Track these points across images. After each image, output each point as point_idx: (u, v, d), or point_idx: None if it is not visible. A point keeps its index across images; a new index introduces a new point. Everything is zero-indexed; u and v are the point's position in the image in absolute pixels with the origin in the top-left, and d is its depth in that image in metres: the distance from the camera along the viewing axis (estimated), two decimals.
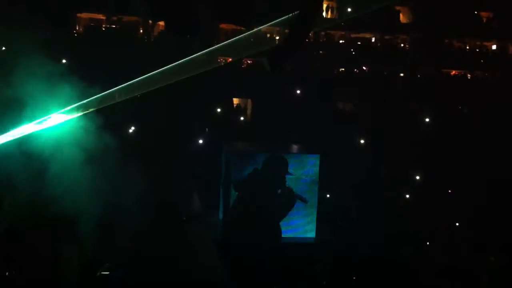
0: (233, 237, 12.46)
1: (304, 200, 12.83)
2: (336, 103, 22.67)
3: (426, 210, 15.96)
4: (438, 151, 18.61)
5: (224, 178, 14.02)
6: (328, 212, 14.65)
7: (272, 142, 16.76)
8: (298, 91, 22.06)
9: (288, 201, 12.69)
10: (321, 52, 23.95)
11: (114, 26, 23.40)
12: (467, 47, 25.89)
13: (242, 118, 21.83)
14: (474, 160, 18.27)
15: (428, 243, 14.03)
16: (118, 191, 11.52)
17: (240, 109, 22.64)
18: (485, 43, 26.09)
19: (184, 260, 11.09)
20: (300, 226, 13.72)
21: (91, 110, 11.07)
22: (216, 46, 12.51)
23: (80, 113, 10.88)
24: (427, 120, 21.98)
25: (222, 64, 20.21)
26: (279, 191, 12.67)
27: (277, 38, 21.68)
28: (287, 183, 12.73)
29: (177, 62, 11.25)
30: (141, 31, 23.76)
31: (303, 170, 13.75)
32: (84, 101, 10.86)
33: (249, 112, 22.53)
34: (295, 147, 15.22)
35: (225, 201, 13.84)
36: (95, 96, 11.04)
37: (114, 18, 23.42)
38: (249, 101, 23.08)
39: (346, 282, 11.52)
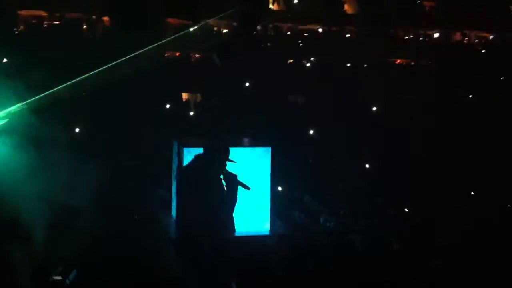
0: (187, 231, 12.54)
1: (246, 187, 13.20)
2: (286, 95, 22.79)
3: (377, 196, 16.27)
4: (387, 139, 18.97)
5: (176, 174, 13.91)
6: (281, 204, 14.74)
7: (223, 135, 16.70)
8: (248, 84, 22.07)
9: (231, 185, 13.00)
10: (269, 44, 24.03)
11: (56, 22, 22.81)
12: (411, 36, 26.48)
13: (192, 113, 21.67)
14: (423, 146, 18.74)
15: (380, 229, 14.30)
16: (69, 191, 11.29)
17: (190, 104, 22.48)
18: (428, 32, 26.76)
19: (138, 260, 10.95)
20: (254, 218, 13.77)
21: (36, 109, 10.77)
22: (164, 40, 12.36)
23: (24, 113, 10.57)
24: (374, 108, 22.37)
25: (171, 59, 20.02)
26: (222, 176, 13.05)
27: (225, 31, 21.61)
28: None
29: (124, 58, 11.06)
30: (85, 27, 23.24)
31: (256, 163, 13.78)
32: (29, 100, 10.56)
33: (199, 106, 22.38)
34: (246, 140, 15.21)
35: (178, 198, 13.75)
36: (40, 95, 10.75)
37: (57, 14, 22.81)
38: (199, 95, 22.95)
39: (302, 272, 11.62)
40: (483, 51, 26.58)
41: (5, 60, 15.74)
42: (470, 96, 23.77)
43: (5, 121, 10.02)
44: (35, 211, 10.46)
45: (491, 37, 27.31)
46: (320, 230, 14.18)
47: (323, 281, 11.21)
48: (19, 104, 10.26)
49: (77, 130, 18.25)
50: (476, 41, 27.37)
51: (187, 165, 12.96)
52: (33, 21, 22.92)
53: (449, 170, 17.34)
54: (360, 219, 14.66)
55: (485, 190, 16.71)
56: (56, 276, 9.20)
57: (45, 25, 22.69)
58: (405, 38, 26.33)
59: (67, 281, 9.15)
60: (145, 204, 14.59)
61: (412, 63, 26.08)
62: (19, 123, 10.70)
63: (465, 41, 27.14)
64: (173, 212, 14.18)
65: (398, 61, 26.16)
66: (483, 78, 22.76)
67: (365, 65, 24.34)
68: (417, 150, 18.68)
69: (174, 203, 14.12)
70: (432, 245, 12.91)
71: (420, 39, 26.68)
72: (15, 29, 22.07)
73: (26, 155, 10.74)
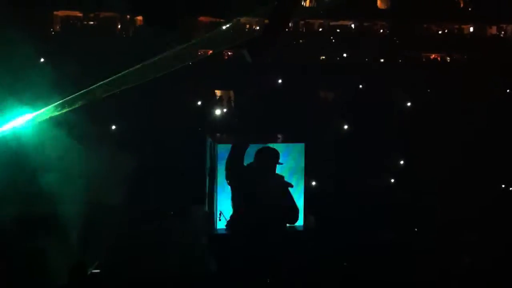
0: (238, 229, 12.34)
1: (289, 185, 13.14)
2: (319, 91, 22.71)
3: (410, 195, 16.07)
4: (421, 135, 18.74)
5: (210, 171, 14.00)
6: (314, 200, 14.70)
7: (256, 132, 16.68)
8: (280, 81, 22.08)
9: (281, 187, 12.83)
10: (301, 41, 24.01)
11: (91, 22, 23.24)
12: (445, 31, 26.13)
13: (225, 110, 21.79)
14: (457, 143, 18.42)
15: (413, 228, 14.16)
16: (104, 189, 11.47)
17: (223, 101, 22.61)
18: (463, 26, 26.36)
19: (173, 255, 11.09)
20: None
21: (71, 107, 10.97)
22: (196, 39, 12.48)
23: (61, 111, 10.78)
24: (408, 104, 22.11)
25: (203, 57, 20.16)
26: (272, 179, 12.84)
27: (257, 28, 21.69)
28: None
29: (157, 57, 11.17)
30: (119, 26, 23.61)
31: (289, 159, 13.78)
32: (64, 99, 10.75)
33: (232, 103, 22.50)
34: (279, 137, 15.23)
35: (210, 194, 13.84)
36: (75, 94, 10.94)
37: (91, 14, 23.24)
38: (231, 92, 23.06)
39: (336, 270, 11.59)
40: None
41: (42, 59, 16.08)
42: (508, 91, 23.30)
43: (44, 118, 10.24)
44: (70, 207, 10.69)
45: None
46: (353, 227, 14.12)
47: (357, 278, 11.18)
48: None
49: (111, 128, 18.53)
50: None
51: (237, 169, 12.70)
52: (69, 21, 23.40)
53: (484, 168, 17.03)
54: (393, 217, 14.54)
55: None
56: (94, 269, 9.40)
57: (80, 25, 23.15)
58: (439, 32, 25.99)
59: (105, 275, 9.34)
60: (177, 200, 14.73)
61: (447, 58, 25.72)
62: (53, 121, 10.91)
63: (501, 35, 26.65)
64: (207, 208, 14.29)
65: (433, 56, 25.83)
66: None
67: (399, 60, 24.12)
68: (451, 146, 18.38)
69: (206, 198, 14.23)
70: (465, 242, 12.77)
71: (455, 33, 26.30)
72: (51, 29, 22.56)
73: (60, 152, 10.96)
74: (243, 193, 12.56)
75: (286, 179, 13.41)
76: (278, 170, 13.26)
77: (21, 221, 10.85)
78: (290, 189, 13.07)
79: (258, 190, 12.46)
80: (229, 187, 13.06)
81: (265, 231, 11.86)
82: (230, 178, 12.72)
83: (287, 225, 12.75)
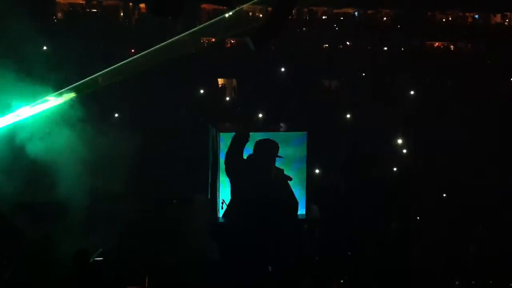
0: (238, 219, 12.42)
1: (289, 178, 13.11)
2: (322, 80, 22.65)
3: (414, 185, 16.07)
4: (425, 124, 18.71)
5: (212, 159, 14.00)
6: (316, 189, 14.71)
7: (258, 121, 16.69)
8: (283, 69, 22.02)
9: (280, 180, 12.83)
10: (304, 29, 23.89)
11: (94, 10, 23.17)
12: (450, 19, 25.97)
13: (228, 98, 21.76)
14: (460, 131, 18.39)
15: (417, 218, 14.17)
16: (107, 177, 11.50)
17: (225, 89, 22.58)
18: (467, 14, 26.18)
19: (176, 243, 11.13)
20: None
21: (74, 95, 10.97)
22: (199, 26, 12.41)
23: (64, 100, 10.77)
24: (412, 93, 22.03)
25: (206, 44, 20.12)
26: (271, 172, 12.85)
27: (260, 16, 21.57)
28: (277, 164, 12.95)
29: (160, 45, 11.13)
30: (122, 14, 23.53)
31: (291, 148, 13.76)
32: (67, 88, 10.74)
33: (235, 92, 22.46)
34: (282, 126, 15.21)
35: (213, 183, 13.85)
36: (77, 83, 10.92)
37: (94, 2, 23.16)
38: (234, 81, 23.01)
39: (338, 258, 11.63)
40: None
41: (44, 47, 16.05)
42: None
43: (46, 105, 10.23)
44: (74, 194, 10.72)
45: None
46: (355, 216, 14.14)
47: (359, 267, 11.21)
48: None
49: (114, 116, 18.54)
50: None
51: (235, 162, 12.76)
52: (71, 8, 23.33)
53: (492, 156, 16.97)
54: (396, 207, 14.55)
55: None
56: (97, 257, 9.44)
57: (83, 13, 23.07)
58: (443, 20, 25.81)
59: (108, 263, 9.39)
60: (180, 188, 14.76)
61: (451, 47, 25.57)
62: (56, 109, 10.91)
63: (505, 23, 26.50)
64: (209, 196, 14.31)
65: (437, 44, 25.68)
66: None
67: (402, 49, 23.99)
68: (455, 134, 18.34)
69: (209, 187, 14.24)
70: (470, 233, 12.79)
71: (459, 21, 26.11)
72: (53, 17, 22.50)
73: (64, 140, 10.98)
74: (242, 186, 12.58)
75: (287, 168, 13.40)
76: (280, 159, 13.27)
77: (26, 208, 10.90)
78: (290, 180, 13.09)
79: (257, 183, 12.48)
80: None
81: (264, 223, 11.90)
82: (229, 170, 12.73)
83: (287, 217, 12.78)
